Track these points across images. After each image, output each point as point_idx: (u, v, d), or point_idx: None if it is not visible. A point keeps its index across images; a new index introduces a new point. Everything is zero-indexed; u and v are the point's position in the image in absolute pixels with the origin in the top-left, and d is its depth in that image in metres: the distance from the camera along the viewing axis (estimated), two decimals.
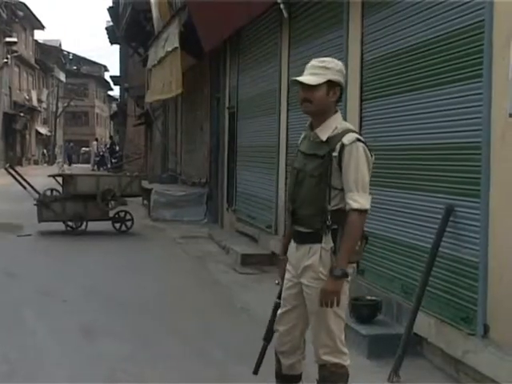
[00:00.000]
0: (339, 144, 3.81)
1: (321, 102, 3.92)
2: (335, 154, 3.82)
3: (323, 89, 3.90)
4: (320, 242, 3.88)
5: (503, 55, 4.79)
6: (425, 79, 5.91)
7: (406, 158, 6.28)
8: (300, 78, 3.96)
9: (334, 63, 3.97)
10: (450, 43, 5.51)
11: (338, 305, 3.83)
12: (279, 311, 4.21)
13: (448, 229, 5.43)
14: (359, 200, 3.77)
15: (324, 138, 3.90)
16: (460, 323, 5.23)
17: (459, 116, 5.39)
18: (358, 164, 3.79)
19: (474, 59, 5.16)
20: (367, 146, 3.88)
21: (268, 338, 4.31)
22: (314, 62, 3.99)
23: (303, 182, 3.96)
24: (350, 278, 3.97)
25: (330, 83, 3.91)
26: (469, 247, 5.21)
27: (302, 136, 4.20)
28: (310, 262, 3.92)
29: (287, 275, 4.15)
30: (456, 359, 5.24)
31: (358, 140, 3.84)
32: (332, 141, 3.86)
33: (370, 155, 3.87)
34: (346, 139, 3.81)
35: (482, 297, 4.98)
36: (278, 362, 4.28)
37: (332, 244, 3.86)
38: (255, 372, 4.36)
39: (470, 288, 5.16)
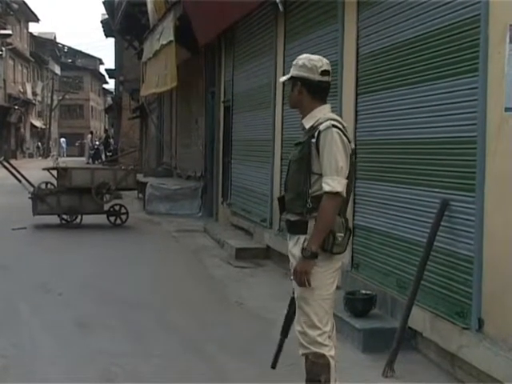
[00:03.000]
0: (317, 131, 3.99)
1: (291, 97, 4.25)
2: (313, 140, 3.99)
3: (289, 85, 4.22)
4: (305, 233, 4.00)
5: (499, 50, 4.79)
6: (420, 73, 5.90)
7: (401, 152, 6.27)
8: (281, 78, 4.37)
9: (299, 59, 4.20)
10: (446, 37, 5.50)
11: (309, 285, 3.94)
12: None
13: (443, 223, 5.43)
14: (330, 183, 3.89)
15: (307, 127, 4.10)
16: (455, 317, 5.23)
17: (455, 110, 5.38)
18: (331, 148, 3.93)
19: (470, 53, 5.16)
20: (343, 131, 4.01)
21: (284, 332, 4.33)
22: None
23: (289, 170, 4.18)
24: (333, 269, 4.05)
25: (293, 79, 4.18)
26: (464, 241, 5.21)
27: None
28: (296, 250, 4.05)
29: (291, 266, 4.25)
30: (451, 353, 5.25)
31: (334, 126, 3.98)
32: (313, 129, 4.04)
33: (345, 140, 4.00)
34: (322, 126, 3.98)
35: (476, 291, 4.98)
36: None
37: None
38: (273, 366, 4.36)
39: (465, 282, 5.16)
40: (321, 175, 3.96)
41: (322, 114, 4.09)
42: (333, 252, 3.95)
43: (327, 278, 4.02)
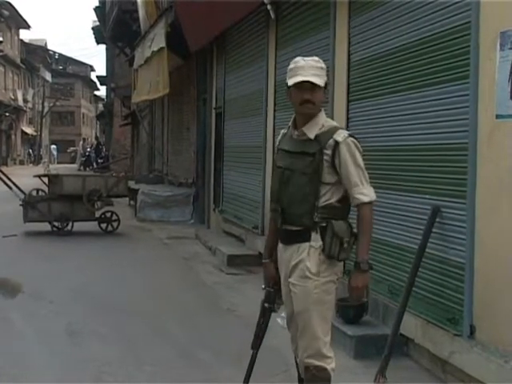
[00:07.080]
0: (331, 141, 3.85)
1: (321, 102, 3.97)
2: (328, 151, 3.85)
3: (322, 89, 3.93)
4: (308, 240, 3.90)
5: (490, 56, 4.81)
6: (412, 80, 5.92)
7: (392, 159, 6.28)
8: (310, 78, 3.87)
9: (323, 63, 3.99)
10: (437, 44, 5.52)
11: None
12: (286, 315, 4.21)
13: (434, 230, 5.44)
14: (367, 193, 3.89)
15: (312, 136, 3.91)
16: (446, 324, 5.24)
17: (446, 117, 5.40)
18: (355, 159, 3.88)
19: (461, 60, 5.18)
20: (357, 140, 3.95)
21: (256, 345, 4.28)
22: (311, 61, 3.93)
23: (290, 180, 3.97)
24: (337, 280, 4.00)
25: (325, 83, 3.96)
26: (455, 248, 5.22)
27: (282, 134, 4.23)
28: (297, 260, 3.93)
29: (282, 278, 4.14)
30: (442, 360, 5.25)
31: (350, 136, 3.90)
32: (321, 138, 3.88)
33: (361, 149, 3.94)
34: (339, 136, 3.86)
35: (468, 297, 4.99)
36: (298, 366, 4.25)
37: (321, 242, 3.88)
38: (246, 382, 4.32)
39: (457, 289, 5.17)
40: (332, 184, 3.89)
41: (323, 120, 3.97)
42: (339, 259, 3.89)
43: (332, 286, 3.98)
